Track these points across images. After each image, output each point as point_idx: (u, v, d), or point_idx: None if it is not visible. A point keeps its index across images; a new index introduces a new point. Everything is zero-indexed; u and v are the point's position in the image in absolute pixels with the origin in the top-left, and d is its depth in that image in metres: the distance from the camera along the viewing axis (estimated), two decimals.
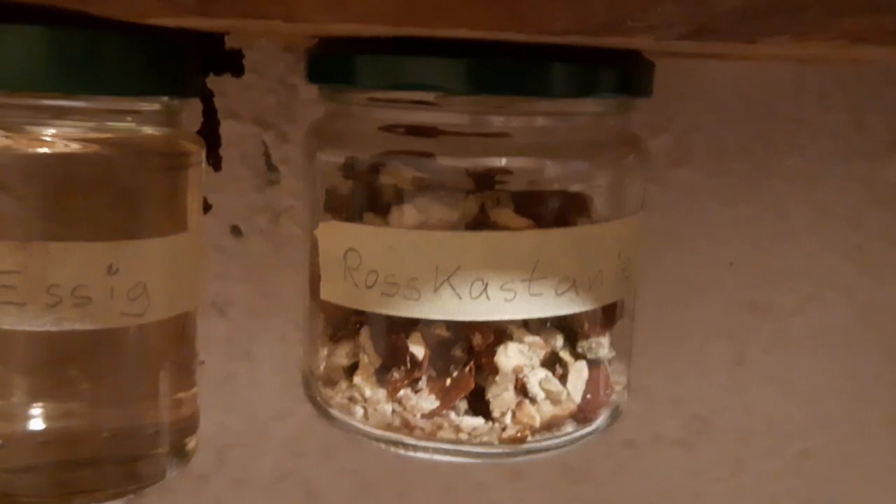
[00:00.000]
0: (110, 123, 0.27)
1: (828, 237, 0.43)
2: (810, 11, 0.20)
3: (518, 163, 0.28)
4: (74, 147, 0.26)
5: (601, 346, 0.29)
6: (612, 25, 0.20)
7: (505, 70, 0.26)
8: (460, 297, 0.26)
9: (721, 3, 0.20)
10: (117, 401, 0.29)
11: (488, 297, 0.27)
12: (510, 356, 0.27)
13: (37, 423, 0.28)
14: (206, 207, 0.30)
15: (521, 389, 0.28)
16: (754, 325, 0.43)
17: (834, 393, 0.44)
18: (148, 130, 0.28)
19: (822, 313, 0.43)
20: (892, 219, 0.43)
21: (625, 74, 0.28)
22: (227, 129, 0.39)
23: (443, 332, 0.28)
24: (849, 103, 0.42)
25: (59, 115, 0.26)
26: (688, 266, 0.43)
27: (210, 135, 0.30)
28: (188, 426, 0.31)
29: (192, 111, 0.30)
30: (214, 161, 0.30)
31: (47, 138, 0.26)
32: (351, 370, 0.29)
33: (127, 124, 0.27)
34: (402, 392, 0.28)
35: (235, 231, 0.41)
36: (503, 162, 0.28)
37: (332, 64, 0.28)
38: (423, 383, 0.28)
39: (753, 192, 0.42)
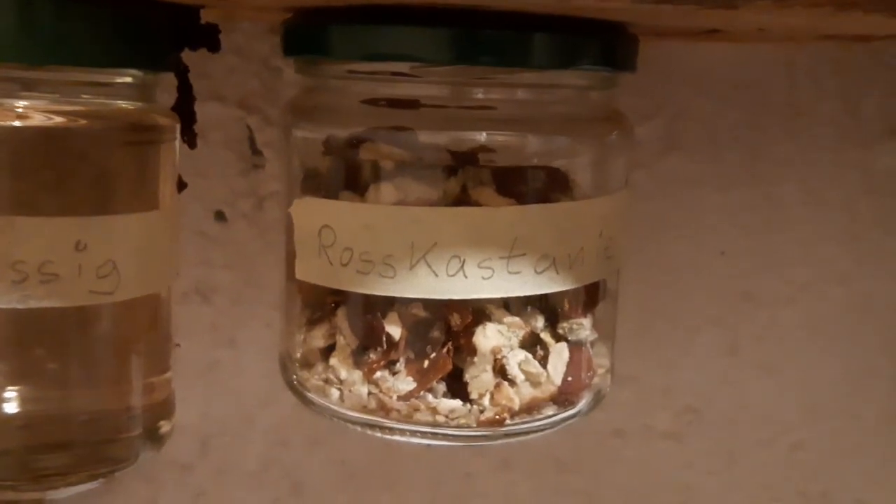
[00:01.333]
0: (80, 96, 0.26)
1: (821, 225, 0.42)
2: None
3: (499, 137, 0.28)
4: (43, 119, 0.26)
5: (583, 327, 0.28)
6: None
7: (484, 40, 0.25)
8: (437, 275, 0.26)
9: None
10: (88, 383, 0.28)
11: (465, 275, 0.26)
12: (489, 337, 0.27)
13: (7, 407, 0.27)
14: (182, 186, 0.29)
15: (500, 371, 0.27)
16: (747, 314, 0.43)
17: (827, 384, 0.44)
18: (119, 104, 0.27)
19: (816, 303, 0.43)
20: (886, 206, 0.42)
21: (607, 47, 0.27)
22: (210, 112, 0.38)
23: (420, 313, 0.27)
24: (842, 89, 0.41)
25: (28, 86, 0.26)
26: (678, 254, 0.42)
27: (185, 111, 0.29)
28: (162, 410, 0.30)
29: (168, 89, 0.30)
30: (189, 138, 0.29)
31: (16, 110, 0.26)
32: (327, 352, 0.28)
33: (97, 97, 0.27)
34: (378, 373, 0.27)
35: (219, 216, 0.40)
36: (484, 136, 0.27)
37: (308, 35, 0.27)
38: (399, 364, 0.27)
39: (745, 179, 0.42)
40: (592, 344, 0.29)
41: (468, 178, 0.27)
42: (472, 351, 0.27)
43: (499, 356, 0.27)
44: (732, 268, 0.42)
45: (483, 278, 0.26)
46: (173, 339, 0.31)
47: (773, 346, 0.43)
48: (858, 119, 0.41)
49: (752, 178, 0.42)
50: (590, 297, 0.29)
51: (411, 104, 0.27)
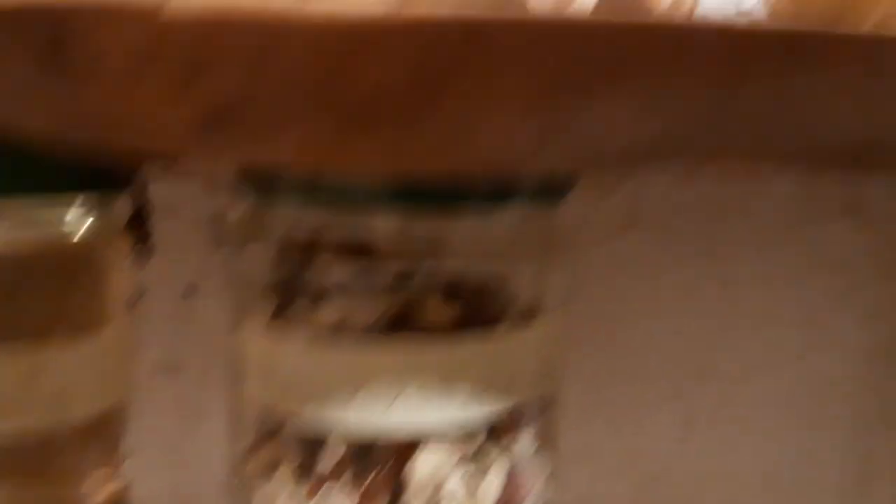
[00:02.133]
0: (33, 225, 0.27)
1: (776, 303, 0.43)
2: (693, 150, 0.20)
3: (443, 264, 0.28)
4: None
5: (519, 443, 0.29)
6: (493, 171, 0.20)
7: (424, 194, 0.26)
8: (374, 406, 0.27)
9: (608, 143, 0.20)
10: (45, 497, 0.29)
11: (403, 405, 0.27)
12: (427, 460, 0.28)
13: None
14: (138, 296, 0.30)
15: (438, 492, 0.28)
16: (702, 392, 0.43)
17: (783, 460, 0.44)
18: (70, 229, 0.28)
19: (770, 380, 0.43)
20: (840, 285, 0.43)
21: (546, 182, 0.28)
22: (181, 187, 0.39)
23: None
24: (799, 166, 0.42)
25: None
26: (634, 331, 0.43)
27: (139, 227, 0.30)
28: None
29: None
30: (144, 254, 0.30)
31: None
32: (272, 469, 0.29)
33: (48, 226, 0.27)
34: (319, 493, 0.28)
35: (189, 291, 0.41)
36: (427, 265, 0.28)
37: (256, 178, 0.28)
38: (340, 486, 0.28)
39: (701, 257, 0.42)
40: (533, 456, 0.30)
41: (411, 298, 0.28)
42: (411, 474, 0.28)
43: (436, 478, 0.28)
44: (688, 345, 0.43)
45: (420, 407, 0.27)
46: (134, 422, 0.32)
47: (729, 422, 0.44)
48: (815, 197, 0.42)
49: (708, 256, 0.42)
50: (528, 413, 0.29)
51: (359, 248, 0.28)
